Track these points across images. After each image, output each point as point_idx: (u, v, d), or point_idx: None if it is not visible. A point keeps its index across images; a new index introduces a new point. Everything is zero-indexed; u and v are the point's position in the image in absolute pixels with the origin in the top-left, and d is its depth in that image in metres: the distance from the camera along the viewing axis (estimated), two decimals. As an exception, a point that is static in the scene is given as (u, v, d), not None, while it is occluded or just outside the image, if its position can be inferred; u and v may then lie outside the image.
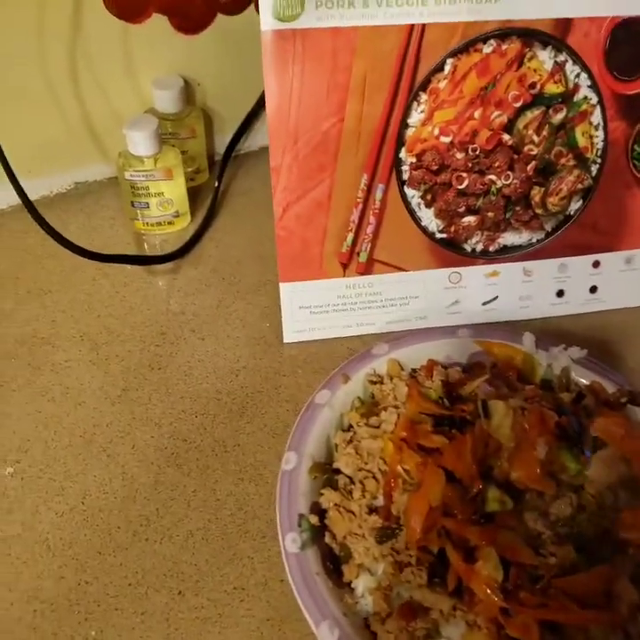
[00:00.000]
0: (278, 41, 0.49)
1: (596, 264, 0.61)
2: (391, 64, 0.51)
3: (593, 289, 0.62)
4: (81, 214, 0.71)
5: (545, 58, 0.52)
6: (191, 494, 0.49)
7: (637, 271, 0.61)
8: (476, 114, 0.53)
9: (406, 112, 0.52)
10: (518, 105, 0.53)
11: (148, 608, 0.43)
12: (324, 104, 0.52)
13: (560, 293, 0.61)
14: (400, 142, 0.53)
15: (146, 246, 0.69)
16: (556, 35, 0.51)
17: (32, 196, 0.57)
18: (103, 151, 0.72)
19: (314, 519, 0.43)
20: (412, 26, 0.50)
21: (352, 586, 0.41)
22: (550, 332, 0.59)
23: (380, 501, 0.43)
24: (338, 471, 0.46)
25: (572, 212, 0.58)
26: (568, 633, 0.36)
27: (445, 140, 0.53)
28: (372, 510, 0.43)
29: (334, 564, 0.42)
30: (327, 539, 0.43)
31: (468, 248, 0.58)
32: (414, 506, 0.40)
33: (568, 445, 0.42)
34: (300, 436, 0.46)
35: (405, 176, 0.54)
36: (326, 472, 0.45)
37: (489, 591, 0.36)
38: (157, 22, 0.65)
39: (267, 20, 0.49)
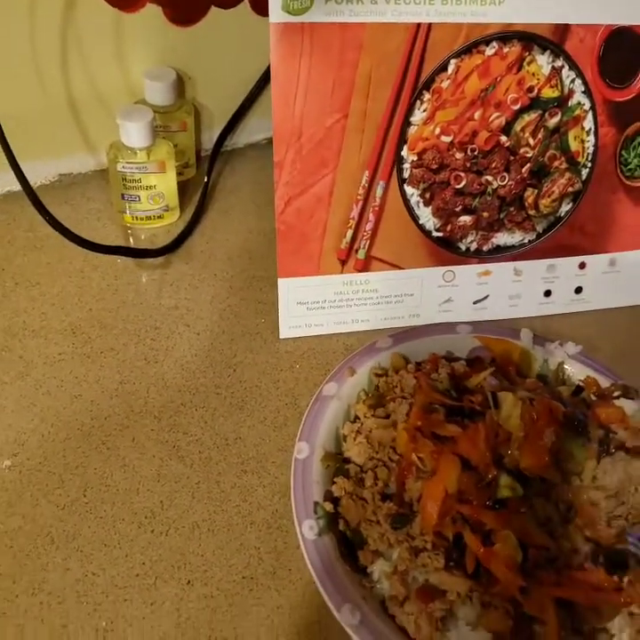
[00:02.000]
0: (286, 34, 0.50)
1: (582, 265, 0.63)
2: (396, 62, 0.52)
3: (578, 289, 0.64)
4: (66, 206, 0.70)
5: (543, 62, 0.54)
6: (195, 486, 0.49)
7: (620, 273, 0.64)
8: (476, 115, 0.54)
9: (409, 110, 0.53)
10: (516, 108, 0.55)
11: (158, 598, 0.43)
12: (329, 100, 0.52)
13: (548, 293, 0.63)
14: (402, 140, 0.54)
15: (132, 240, 0.68)
16: (555, 40, 0.53)
17: (15, 187, 0.55)
18: (90, 142, 0.71)
19: (329, 506, 0.43)
20: (419, 25, 0.51)
21: (368, 571, 0.41)
22: (537, 331, 0.61)
23: (391, 489, 0.44)
24: (348, 461, 0.46)
25: (562, 214, 0.60)
26: (581, 612, 0.37)
27: (446, 139, 0.55)
28: (384, 498, 0.43)
29: (349, 550, 0.42)
30: (341, 526, 0.43)
31: (463, 247, 0.59)
32: (430, 492, 0.40)
33: (574, 435, 0.43)
34: (310, 427, 0.46)
35: (406, 174, 0.55)
36: (337, 461, 0.46)
37: (509, 571, 0.37)
38: (151, 12, 0.65)
39: (276, 13, 0.49)
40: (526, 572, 0.37)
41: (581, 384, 0.50)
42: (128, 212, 0.67)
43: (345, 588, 0.39)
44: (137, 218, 0.67)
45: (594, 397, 0.50)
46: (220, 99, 0.74)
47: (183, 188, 0.72)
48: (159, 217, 0.68)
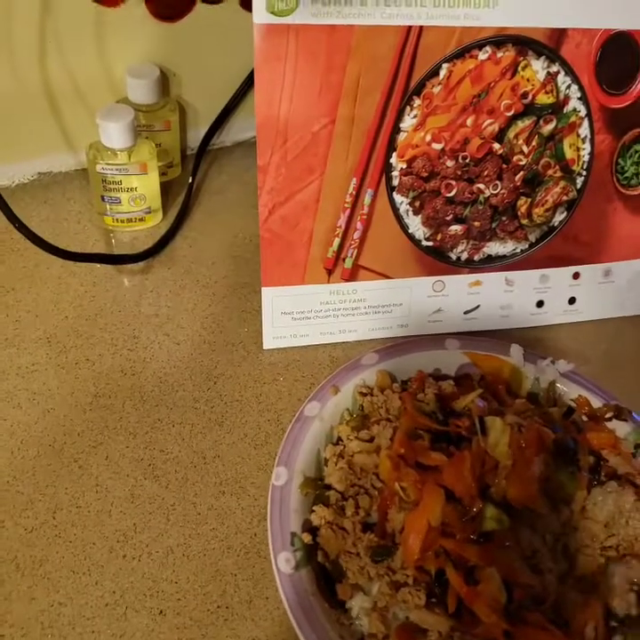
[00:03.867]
0: (271, 36, 0.47)
1: (576, 276, 0.61)
2: (386, 66, 0.50)
3: (571, 300, 0.62)
4: (45, 207, 0.67)
5: (538, 68, 0.52)
6: (170, 508, 0.47)
7: (615, 284, 0.62)
8: (469, 121, 0.52)
9: (399, 116, 0.51)
10: (510, 114, 0.52)
11: (128, 629, 0.41)
12: (316, 104, 0.50)
13: (540, 304, 0.61)
14: (391, 147, 0.52)
15: (114, 243, 0.65)
16: (550, 44, 0.51)
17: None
18: (71, 140, 0.68)
19: (307, 537, 0.41)
20: (410, 28, 0.48)
21: (346, 606, 0.40)
22: (528, 342, 0.59)
23: (373, 518, 0.42)
24: (329, 487, 0.44)
25: (556, 224, 0.58)
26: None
27: (437, 146, 0.52)
28: (365, 528, 0.41)
29: (327, 583, 0.40)
30: (319, 557, 0.41)
31: (454, 257, 0.57)
32: (413, 525, 0.38)
33: (564, 463, 0.41)
34: (290, 451, 0.44)
35: (395, 182, 0.53)
36: (317, 488, 0.44)
37: (492, 613, 0.35)
38: (133, 7, 0.62)
39: (260, 14, 0.47)
40: (511, 614, 0.36)
41: (573, 405, 0.48)
42: (109, 214, 0.65)
43: (321, 626, 0.37)
44: (118, 220, 0.65)
45: (585, 418, 0.48)
46: (207, 96, 0.71)
47: (167, 189, 0.70)
48: (141, 219, 0.66)
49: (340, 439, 0.47)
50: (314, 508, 0.43)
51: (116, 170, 0.61)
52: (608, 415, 0.48)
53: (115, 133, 0.59)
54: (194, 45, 0.67)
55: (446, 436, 0.43)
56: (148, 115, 0.66)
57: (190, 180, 0.70)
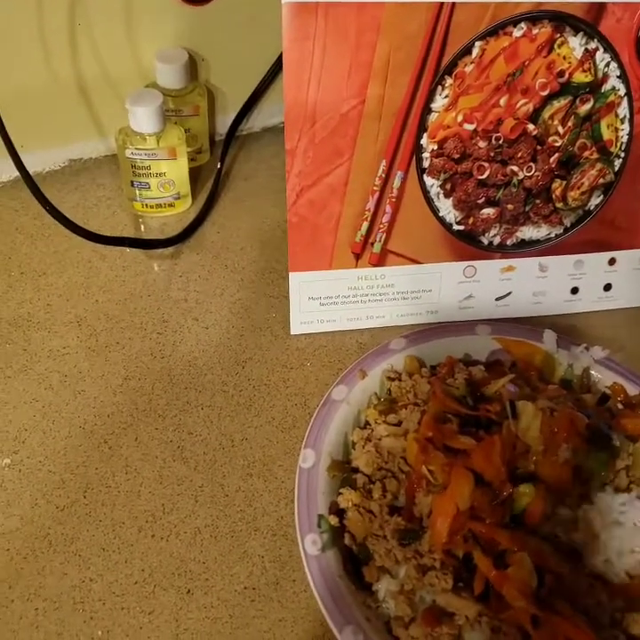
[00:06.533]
0: (300, 15, 0.47)
1: (612, 261, 0.59)
2: (417, 45, 0.49)
3: (607, 286, 0.60)
4: (76, 193, 0.68)
5: (575, 45, 0.50)
6: (198, 489, 0.47)
7: (653, 269, 0.60)
8: (502, 101, 0.51)
9: (430, 96, 0.50)
10: (545, 93, 0.51)
11: (156, 607, 0.41)
12: (345, 85, 0.49)
13: (574, 290, 0.60)
14: (422, 128, 0.51)
15: (143, 229, 0.66)
16: (589, 20, 0.50)
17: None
18: (100, 127, 0.68)
19: (334, 520, 0.41)
20: (442, 4, 0.47)
21: (373, 589, 0.39)
22: (562, 330, 0.58)
23: (401, 502, 0.42)
24: (356, 470, 0.44)
25: (592, 208, 0.56)
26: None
27: (469, 127, 0.51)
28: (392, 511, 0.41)
29: (354, 565, 0.40)
30: (346, 540, 0.41)
31: (485, 241, 0.56)
32: (441, 508, 0.38)
33: (597, 449, 0.40)
34: (317, 433, 0.44)
35: (425, 164, 0.52)
36: (344, 470, 0.43)
37: (521, 597, 0.35)
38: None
39: (288, -7, 0.46)
40: (541, 600, 0.35)
41: (607, 391, 0.47)
42: (138, 199, 0.65)
43: (348, 607, 0.37)
44: (147, 206, 0.65)
45: (620, 406, 0.47)
46: (235, 81, 0.71)
47: (196, 175, 0.70)
48: (170, 205, 0.66)
49: (367, 423, 0.46)
50: (341, 490, 0.42)
51: (145, 155, 0.61)
52: (644, 402, 0.47)
53: (143, 118, 0.59)
54: (222, 29, 0.67)
55: (476, 421, 0.42)
56: (176, 99, 0.66)
57: (219, 166, 0.70)
